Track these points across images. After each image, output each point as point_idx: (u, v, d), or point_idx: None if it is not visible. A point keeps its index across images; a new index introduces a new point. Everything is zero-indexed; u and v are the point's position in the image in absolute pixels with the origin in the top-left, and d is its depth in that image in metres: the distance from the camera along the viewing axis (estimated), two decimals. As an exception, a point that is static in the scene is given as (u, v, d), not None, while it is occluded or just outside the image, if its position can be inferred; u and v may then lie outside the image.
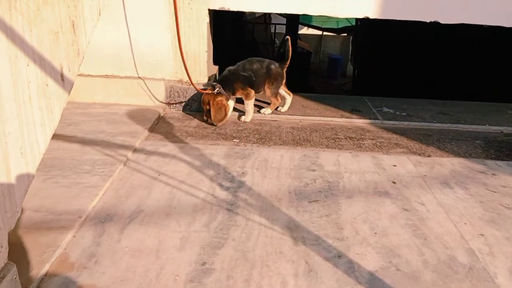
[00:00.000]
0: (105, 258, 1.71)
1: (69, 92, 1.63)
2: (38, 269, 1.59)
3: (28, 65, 1.36)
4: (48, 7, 1.46)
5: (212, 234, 1.92)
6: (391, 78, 7.02)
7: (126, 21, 3.55)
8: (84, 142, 2.83)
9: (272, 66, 3.52)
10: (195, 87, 3.40)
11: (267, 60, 3.55)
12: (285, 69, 3.62)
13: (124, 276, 1.61)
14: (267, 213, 2.11)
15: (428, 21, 3.54)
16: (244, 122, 3.53)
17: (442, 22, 3.54)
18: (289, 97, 3.75)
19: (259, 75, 3.47)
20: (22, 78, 1.32)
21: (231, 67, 3.49)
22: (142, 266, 1.67)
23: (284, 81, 3.63)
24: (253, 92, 3.46)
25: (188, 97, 3.70)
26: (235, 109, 3.65)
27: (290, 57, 3.59)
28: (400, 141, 3.23)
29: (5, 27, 1.23)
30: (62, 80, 1.57)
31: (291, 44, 3.57)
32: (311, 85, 10.78)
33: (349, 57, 12.48)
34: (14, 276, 1.32)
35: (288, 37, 3.59)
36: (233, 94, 3.44)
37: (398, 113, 3.88)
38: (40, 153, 1.46)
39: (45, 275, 1.59)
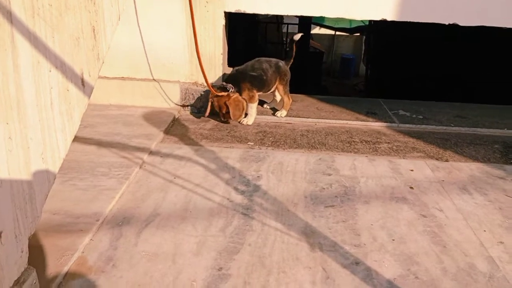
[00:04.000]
0: (122, 262, 1.72)
1: (89, 96, 1.65)
2: (57, 272, 1.61)
3: (50, 71, 1.37)
4: (70, 13, 1.47)
5: (228, 239, 1.92)
6: (405, 78, 6.94)
7: (142, 24, 3.57)
8: (100, 144, 2.85)
9: (280, 64, 3.60)
10: (211, 89, 3.39)
11: (273, 59, 3.63)
12: (288, 67, 3.73)
13: (141, 281, 1.62)
14: (283, 218, 2.10)
15: (446, 23, 3.49)
16: (247, 124, 3.51)
17: (461, 24, 3.48)
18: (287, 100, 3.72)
19: (269, 73, 3.52)
20: (44, 84, 1.33)
21: (239, 67, 3.55)
22: (159, 271, 1.68)
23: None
24: (257, 95, 3.49)
25: (203, 99, 3.70)
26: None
27: (293, 56, 3.72)
28: (417, 145, 3.19)
29: (28, 33, 1.25)
30: (82, 85, 1.59)
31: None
32: (324, 85, 10.73)
33: (362, 57, 12.40)
34: (34, 281, 1.33)
35: (297, 36, 3.67)
36: (239, 94, 3.44)
37: (414, 116, 3.83)
38: (61, 158, 1.47)
39: (64, 278, 1.60)
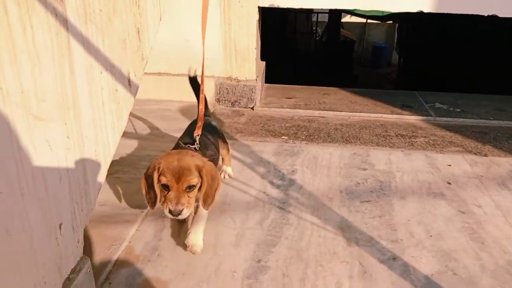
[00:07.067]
0: (167, 252, 1.81)
1: (135, 96, 1.73)
2: (107, 261, 1.72)
3: (101, 73, 1.45)
4: (118, 17, 1.55)
5: (266, 232, 1.98)
6: (440, 68, 6.74)
7: (179, 21, 3.65)
8: (141, 138, 2.97)
9: (212, 125, 2.32)
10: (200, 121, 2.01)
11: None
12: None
13: (185, 270, 1.70)
14: (319, 212, 2.14)
15: (485, 14, 3.38)
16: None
17: (500, 16, 3.37)
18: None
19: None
20: (96, 85, 1.42)
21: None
22: (201, 261, 1.76)
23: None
24: None
25: (237, 94, 3.76)
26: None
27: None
28: (454, 139, 3.13)
29: (82, 39, 1.33)
30: (129, 85, 1.67)
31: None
32: (355, 75, 10.55)
33: (394, 45, 12.09)
34: (89, 269, 1.43)
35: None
36: None
37: (452, 109, 3.76)
38: (111, 154, 1.57)
39: (113, 267, 1.71)
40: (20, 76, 1.00)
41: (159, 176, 1.61)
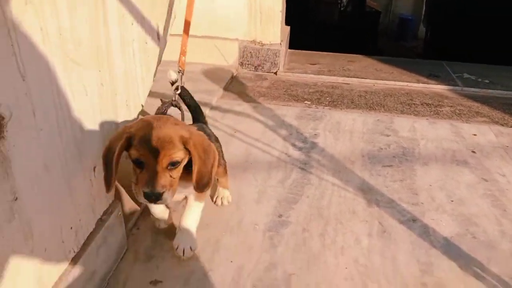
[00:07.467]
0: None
1: (163, 50, 1.75)
2: (135, 209, 1.79)
3: (132, 24, 1.47)
4: (149, -32, 1.55)
5: (287, 190, 2.02)
6: (469, 42, 6.47)
7: (204, -19, 3.61)
8: (165, 97, 3.00)
9: (208, 130, 1.80)
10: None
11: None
12: None
13: (209, 222, 1.76)
14: (340, 174, 2.16)
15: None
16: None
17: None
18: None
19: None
20: (127, 36, 1.44)
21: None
22: (224, 214, 1.82)
23: None
24: None
25: (261, 58, 3.74)
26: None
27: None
28: (481, 109, 3.07)
29: (115, -13, 1.34)
30: (158, 39, 1.69)
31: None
32: (379, 48, 10.28)
33: (422, 18, 11.66)
34: (119, 213, 1.50)
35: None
36: None
37: (480, 80, 3.66)
38: (140, 106, 1.61)
39: (141, 215, 1.78)
40: (58, 18, 1.03)
41: (129, 149, 1.20)
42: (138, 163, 1.20)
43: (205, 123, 1.88)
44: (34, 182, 1.00)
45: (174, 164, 1.21)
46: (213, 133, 1.79)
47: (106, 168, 1.22)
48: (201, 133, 1.34)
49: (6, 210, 0.92)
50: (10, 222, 0.94)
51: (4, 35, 0.86)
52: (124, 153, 1.23)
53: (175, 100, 1.57)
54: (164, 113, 1.49)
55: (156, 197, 1.17)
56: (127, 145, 1.20)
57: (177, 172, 1.24)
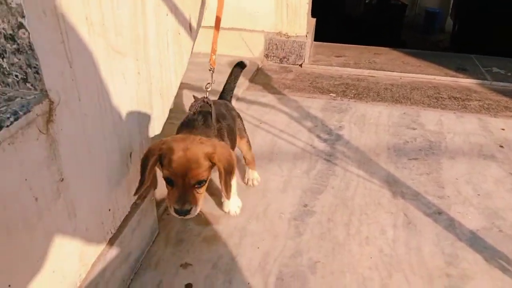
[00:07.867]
0: (218, 191, 1.93)
1: (194, 41, 1.79)
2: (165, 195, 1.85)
3: (167, 15, 1.52)
4: (183, -39, 1.59)
5: (312, 181, 2.04)
6: (499, 36, 6.29)
7: (231, -27, 3.63)
8: (193, 88, 3.06)
9: (230, 106, 2.03)
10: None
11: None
12: None
13: (235, 209, 1.81)
14: (365, 166, 2.17)
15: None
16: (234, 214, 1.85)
17: None
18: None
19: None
20: (162, 26, 1.49)
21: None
22: (251, 202, 1.86)
23: None
24: None
25: (286, 50, 3.75)
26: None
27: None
28: (510, 104, 3.01)
29: (152, -21, 1.39)
30: (190, 29, 1.73)
31: None
32: (403, 40, 10.08)
33: (450, 11, 11.38)
34: (152, 198, 1.57)
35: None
36: None
37: (510, 74, 3.58)
38: (173, 94, 1.66)
39: (170, 201, 1.84)
40: (101, 8, 1.08)
41: (162, 166, 1.33)
42: (169, 181, 1.33)
43: (229, 100, 2.09)
44: (78, 164, 1.07)
45: (200, 183, 1.33)
46: (234, 108, 2.01)
47: (141, 173, 1.34)
48: (224, 143, 1.47)
49: (53, 189, 0.98)
50: (56, 201, 1.00)
51: (54, 23, 0.92)
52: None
53: (206, 97, 1.66)
54: (197, 110, 1.60)
55: (184, 213, 1.32)
56: (160, 160, 1.33)
57: (203, 188, 1.37)
